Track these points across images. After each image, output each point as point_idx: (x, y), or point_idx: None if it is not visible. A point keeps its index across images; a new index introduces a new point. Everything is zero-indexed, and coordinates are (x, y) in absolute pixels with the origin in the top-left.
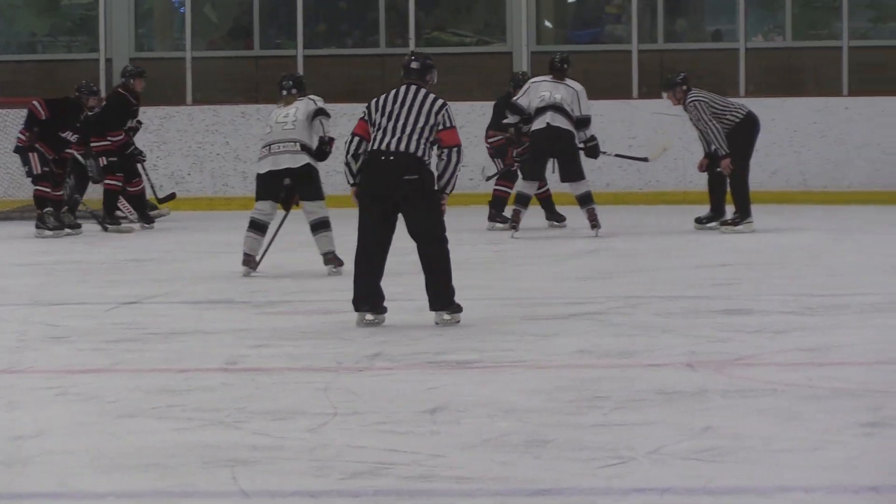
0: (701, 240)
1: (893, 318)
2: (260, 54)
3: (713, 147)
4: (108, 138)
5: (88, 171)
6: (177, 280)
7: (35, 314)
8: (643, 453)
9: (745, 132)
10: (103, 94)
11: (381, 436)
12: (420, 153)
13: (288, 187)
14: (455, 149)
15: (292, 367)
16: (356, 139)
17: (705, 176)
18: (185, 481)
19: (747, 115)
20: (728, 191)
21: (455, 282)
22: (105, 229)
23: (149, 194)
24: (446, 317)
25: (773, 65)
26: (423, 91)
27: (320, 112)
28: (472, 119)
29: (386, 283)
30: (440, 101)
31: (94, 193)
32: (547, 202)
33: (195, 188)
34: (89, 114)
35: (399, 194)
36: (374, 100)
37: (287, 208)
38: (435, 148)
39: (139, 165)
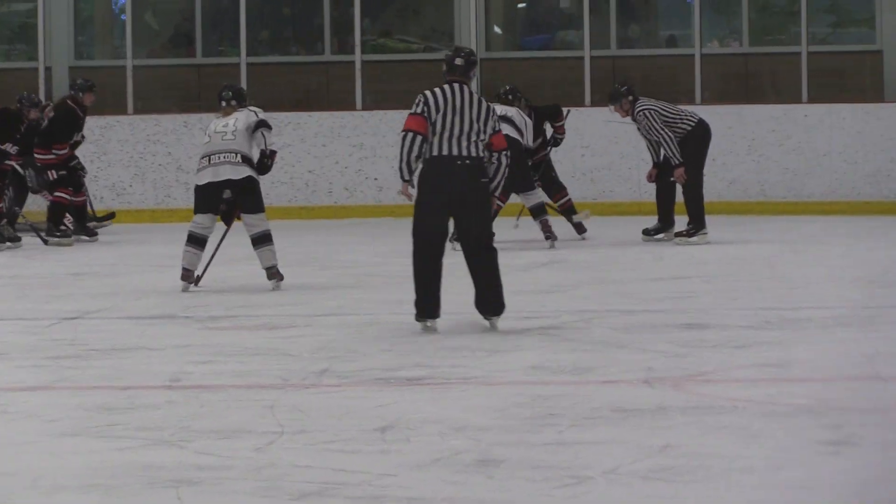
0: (656, 252)
1: (854, 332)
2: (202, 62)
3: (663, 155)
4: (54, 151)
5: (28, 181)
6: (118, 295)
7: None
8: (600, 472)
9: (697, 140)
10: (45, 103)
11: (329, 455)
12: (484, 158)
13: (229, 200)
14: (505, 153)
15: (238, 385)
16: (416, 137)
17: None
18: (129, 502)
19: (699, 123)
20: (681, 201)
21: (400, 295)
22: (45, 242)
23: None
24: (497, 322)
25: (729, 71)
26: (473, 92)
27: (262, 124)
28: None
29: (327, 297)
30: (488, 104)
31: (33, 205)
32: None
33: (137, 200)
34: (33, 125)
35: (467, 199)
36: (428, 97)
37: (228, 222)
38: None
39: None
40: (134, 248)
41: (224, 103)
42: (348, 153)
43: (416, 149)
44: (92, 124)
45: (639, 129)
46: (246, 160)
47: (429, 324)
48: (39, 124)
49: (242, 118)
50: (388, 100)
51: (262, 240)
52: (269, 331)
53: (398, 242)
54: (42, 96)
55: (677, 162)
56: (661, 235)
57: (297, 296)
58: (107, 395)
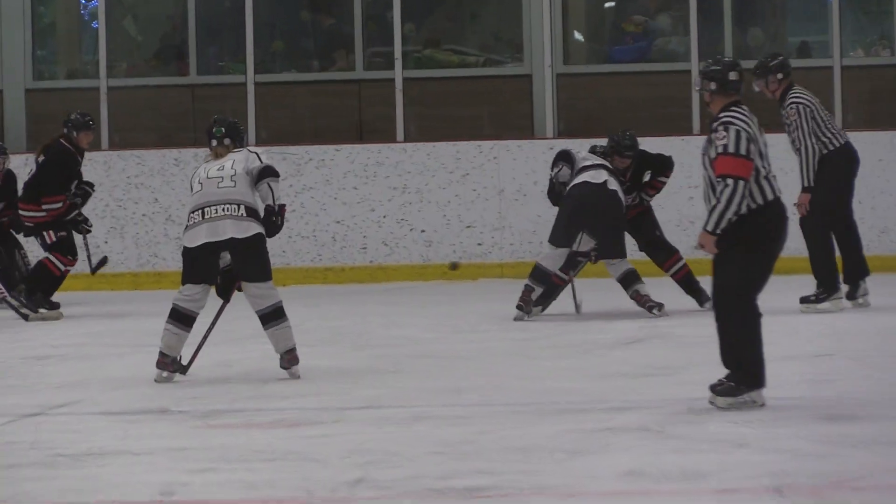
0: (788, 323)
1: None
2: (197, 81)
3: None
4: (45, 206)
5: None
6: (91, 384)
7: None
8: None
9: (837, 168)
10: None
11: None
12: None
13: (225, 270)
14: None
15: (249, 499)
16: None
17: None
18: None
19: (844, 146)
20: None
21: (455, 381)
22: (26, 318)
23: (81, 268)
24: (721, 403)
25: (879, 87)
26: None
27: (267, 172)
28: (481, 165)
29: (361, 385)
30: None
31: None
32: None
33: (114, 260)
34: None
35: None
36: (748, 131)
37: (226, 296)
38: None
39: (82, 237)
40: (110, 324)
41: (215, 142)
42: (387, 198)
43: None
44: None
45: (786, 123)
46: (251, 213)
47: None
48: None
49: (241, 159)
50: (438, 128)
51: (273, 316)
52: (288, 429)
53: (452, 313)
54: None
55: (806, 184)
56: (826, 304)
57: (322, 384)
58: None
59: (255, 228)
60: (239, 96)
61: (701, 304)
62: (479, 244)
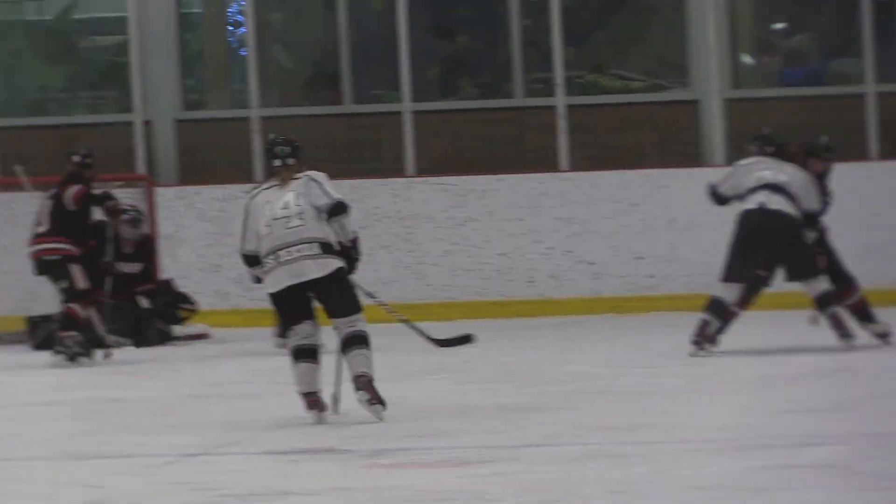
0: None
1: None
2: (352, 111)
3: None
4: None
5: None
6: (254, 423)
7: (66, 471)
8: None
9: None
10: (141, 169)
11: None
12: None
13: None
14: None
15: None
16: None
17: None
18: None
19: None
20: None
21: (631, 416)
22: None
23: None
24: None
25: None
26: None
27: (338, 210)
28: (649, 194)
29: (533, 421)
30: None
31: None
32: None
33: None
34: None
35: None
36: None
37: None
38: None
39: None
40: (272, 362)
41: (279, 163)
42: (553, 229)
43: None
44: (207, 195)
45: None
46: (327, 249)
47: None
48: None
49: (304, 191)
50: (603, 156)
51: (357, 340)
52: (458, 467)
53: (624, 348)
54: (141, 157)
55: None
56: None
57: (494, 421)
58: None
59: (335, 263)
60: (395, 125)
61: (880, 335)
62: (650, 276)
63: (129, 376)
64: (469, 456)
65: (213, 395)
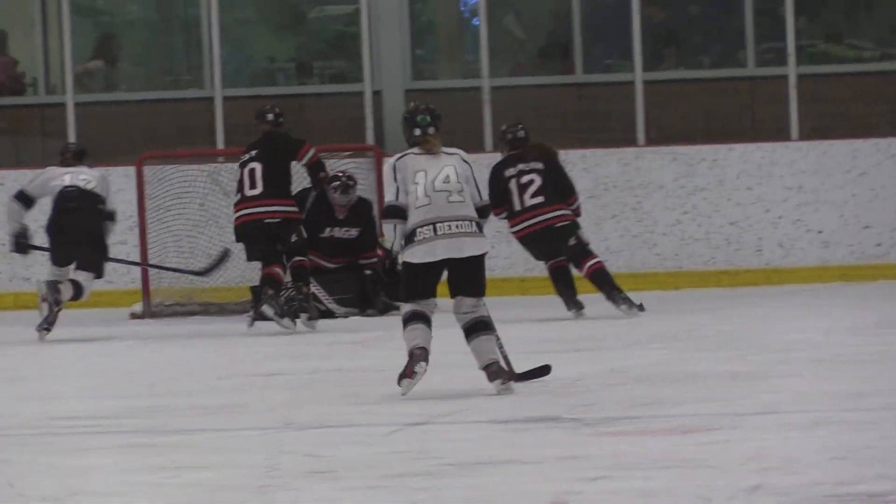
0: None
1: None
2: (583, 80)
3: None
4: None
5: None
6: (476, 392)
7: (288, 441)
8: None
9: None
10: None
11: None
12: None
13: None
14: None
15: None
16: None
17: None
18: None
19: None
20: None
21: (858, 384)
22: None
23: None
24: None
25: None
26: None
27: (486, 213)
28: (879, 163)
29: (759, 389)
30: None
31: None
32: None
33: (501, 265)
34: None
35: None
36: None
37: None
38: None
39: None
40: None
41: (419, 132)
42: (782, 198)
43: None
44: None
45: None
46: (480, 228)
47: None
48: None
49: (461, 169)
50: (833, 126)
51: (481, 326)
52: (683, 435)
53: (851, 316)
54: (369, 129)
55: None
56: None
57: (719, 389)
58: None
59: (487, 245)
60: (626, 95)
61: None
62: (878, 245)
63: (352, 346)
64: (693, 424)
65: (436, 365)
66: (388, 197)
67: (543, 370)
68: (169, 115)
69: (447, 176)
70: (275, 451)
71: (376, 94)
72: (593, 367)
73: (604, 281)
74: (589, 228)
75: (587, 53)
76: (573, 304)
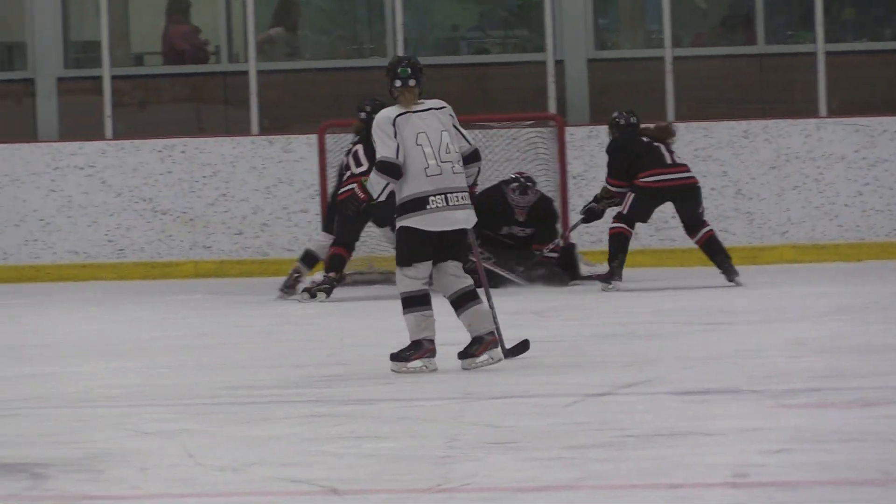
0: None
1: None
2: (764, 51)
3: None
4: None
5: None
6: (661, 362)
7: (469, 411)
8: None
9: None
10: (552, 108)
11: None
12: None
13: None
14: None
15: (823, 481)
16: None
17: None
18: None
19: None
20: None
21: None
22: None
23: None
24: None
25: None
26: None
27: (476, 157)
28: None
29: None
30: None
31: None
32: None
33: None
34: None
35: None
36: None
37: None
38: None
39: None
40: (678, 301)
41: (399, 83)
42: None
43: None
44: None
45: None
46: (471, 199)
47: None
48: None
49: (446, 124)
50: None
51: (474, 295)
52: (864, 408)
53: None
54: (552, 99)
55: None
56: None
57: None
58: (649, 497)
59: (475, 217)
60: (808, 66)
61: None
62: None
63: (532, 316)
64: (874, 397)
65: (619, 335)
66: (387, 153)
67: (524, 345)
68: (351, 83)
69: (447, 145)
70: (455, 421)
71: (558, 63)
72: (774, 338)
73: (715, 250)
74: (770, 199)
75: (769, 24)
76: (732, 272)
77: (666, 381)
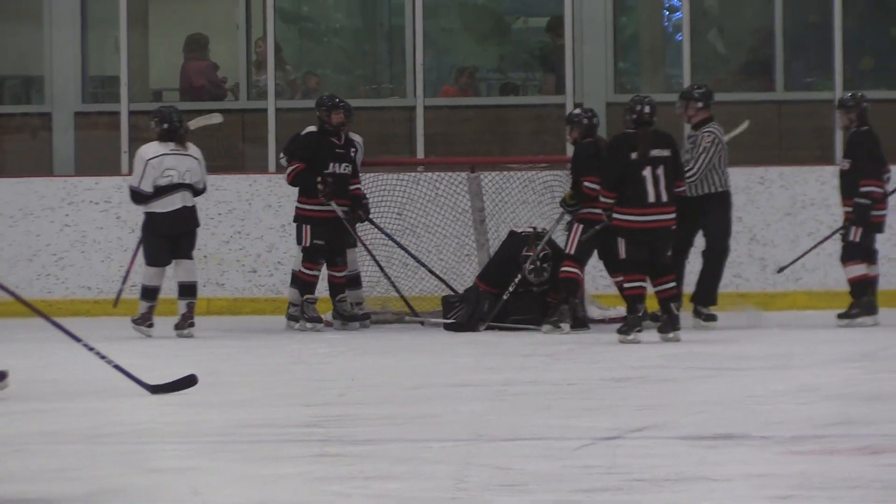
0: None
1: None
2: (784, 98)
3: None
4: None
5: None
6: (672, 406)
7: (478, 453)
8: None
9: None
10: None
11: None
12: None
13: None
14: None
15: None
16: None
17: None
18: None
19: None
20: None
21: None
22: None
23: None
24: None
25: None
26: None
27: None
28: None
29: None
30: None
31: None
32: None
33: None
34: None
35: None
36: None
37: None
38: None
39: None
40: (686, 346)
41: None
42: None
43: None
44: None
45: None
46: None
47: None
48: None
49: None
50: None
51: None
52: (870, 456)
53: None
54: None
55: None
56: None
57: None
58: None
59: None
60: (825, 114)
61: None
62: None
63: (545, 359)
64: (883, 444)
65: (632, 378)
66: None
67: (190, 381)
68: (370, 122)
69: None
70: (464, 463)
71: (577, 106)
72: (784, 384)
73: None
74: (784, 245)
75: (788, 71)
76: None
77: (676, 426)
